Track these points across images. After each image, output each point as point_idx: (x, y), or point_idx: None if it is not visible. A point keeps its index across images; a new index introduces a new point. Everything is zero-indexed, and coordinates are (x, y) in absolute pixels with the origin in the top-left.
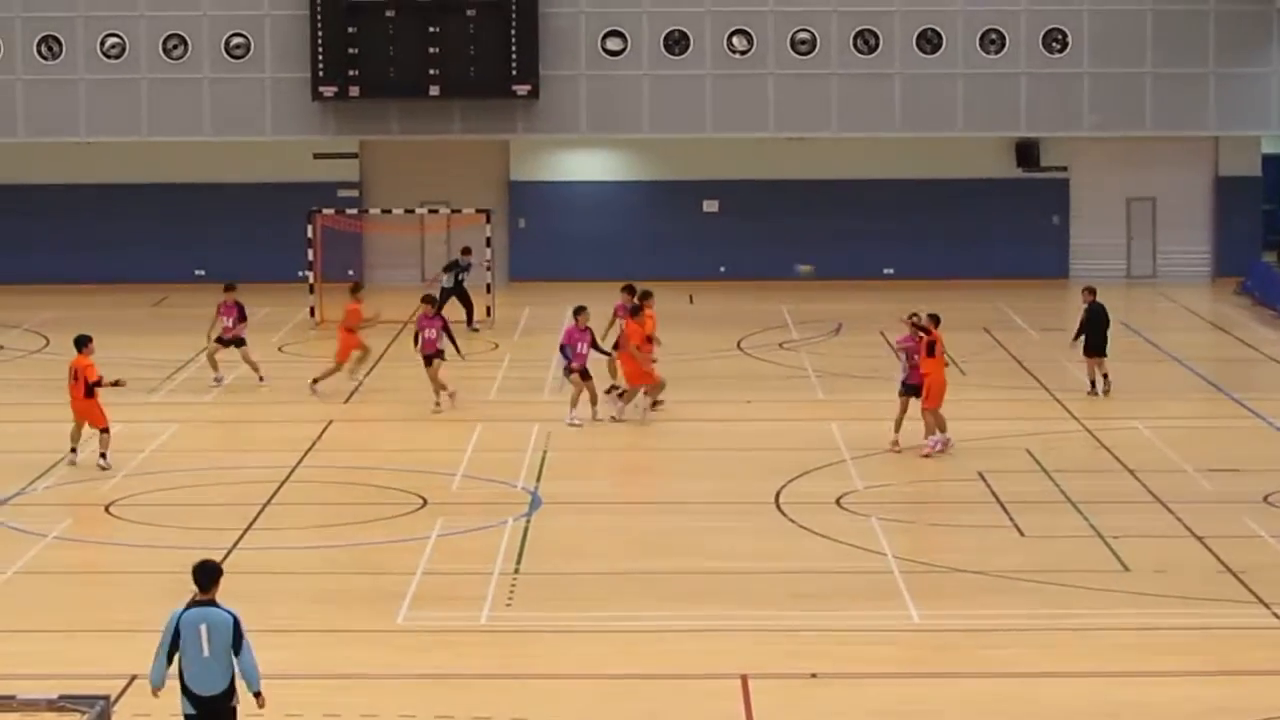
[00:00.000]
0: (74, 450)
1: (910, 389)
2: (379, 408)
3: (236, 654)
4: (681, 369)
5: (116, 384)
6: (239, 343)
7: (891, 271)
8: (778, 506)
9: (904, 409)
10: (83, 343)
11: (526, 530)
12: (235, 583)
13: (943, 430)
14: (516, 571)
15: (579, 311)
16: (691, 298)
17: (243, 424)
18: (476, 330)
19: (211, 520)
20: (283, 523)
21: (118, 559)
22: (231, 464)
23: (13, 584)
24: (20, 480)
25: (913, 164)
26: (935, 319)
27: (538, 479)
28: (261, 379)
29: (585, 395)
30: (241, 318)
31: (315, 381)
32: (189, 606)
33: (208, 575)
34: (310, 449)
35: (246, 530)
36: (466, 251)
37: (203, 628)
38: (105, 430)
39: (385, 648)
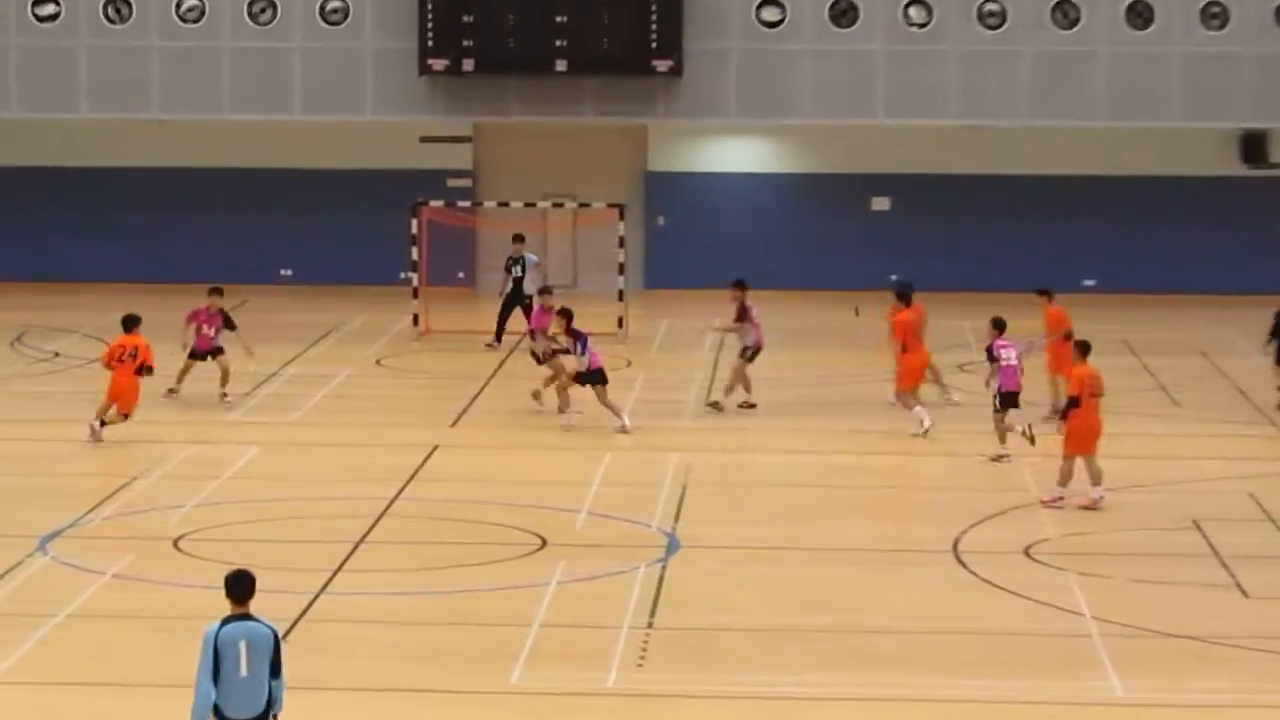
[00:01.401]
0: (101, 425)
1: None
2: (492, 431)
3: (274, 675)
4: (844, 393)
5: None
6: (217, 351)
7: (1092, 283)
8: (956, 556)
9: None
10: (134, 322)
11: (662, 578)
12: (322, 633)
13: (1062, 484)
14: (650, 626)
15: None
16: (857, 310)
17: (333, 448)
18: (492, 348)
19: (295, 559)
20: (378, 564)
21: (186, 603)
22: (319, 494)
23: (65, 629)
24: (76, 509)
25: (1118, 159)
26: (1084, 348)
27: (675, 518)
28: (225, 395)
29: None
30: (227, 326)
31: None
32: (226, 621)
33: (245, 585)
34: (411, 478)
35: (336, 572)
36: (519, 240)
37: (243, 644)
38: (128, 416)
39: (497, 712)
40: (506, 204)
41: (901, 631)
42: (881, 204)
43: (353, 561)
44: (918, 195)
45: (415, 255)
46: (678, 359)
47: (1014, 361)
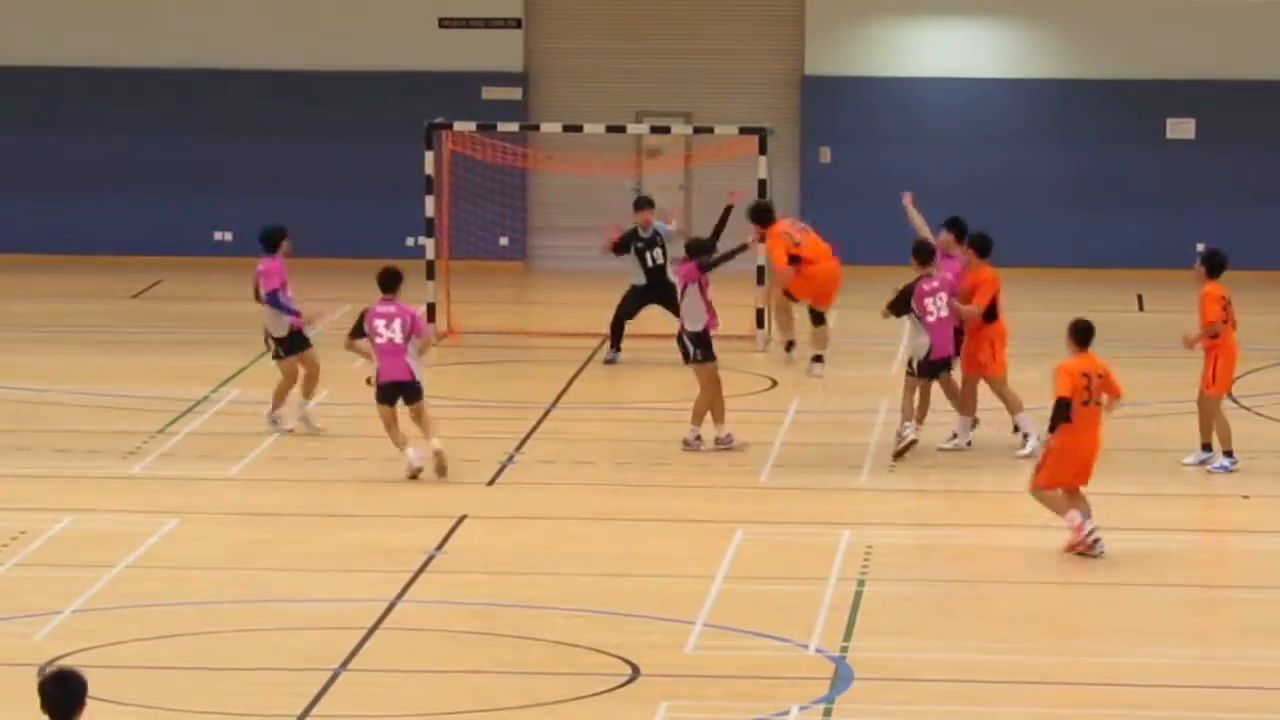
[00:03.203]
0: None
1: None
2: (550, 494)
3: None
4: (1132, 432)
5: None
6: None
7: None
8: None
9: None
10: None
11: None
12: None
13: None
14: None
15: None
16: (1141, 299)
17: (299, 519)
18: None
19: (236, 699)
20: (368, 706)
21: None
22: (275, 593)
23: None
24: None
25: None
26: (1081, 333)
27: (846, 633)
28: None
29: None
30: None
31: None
32: None
33: (67, 698)
34: (423, 569)
35: (302, 718)
36: (644, 205)
37: None
38: None
39: None
40: (578, 128)
41: None
42: (1183, 128)
43: (327, 702)
44: (1239, 116)
45: (431, 210)
46: (855, 376)
47: (945, 313)
